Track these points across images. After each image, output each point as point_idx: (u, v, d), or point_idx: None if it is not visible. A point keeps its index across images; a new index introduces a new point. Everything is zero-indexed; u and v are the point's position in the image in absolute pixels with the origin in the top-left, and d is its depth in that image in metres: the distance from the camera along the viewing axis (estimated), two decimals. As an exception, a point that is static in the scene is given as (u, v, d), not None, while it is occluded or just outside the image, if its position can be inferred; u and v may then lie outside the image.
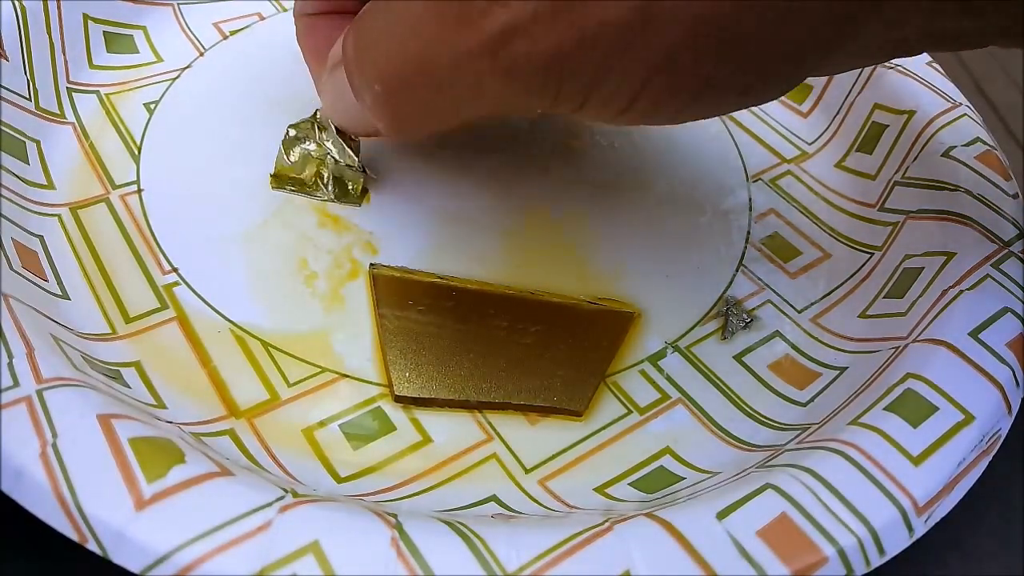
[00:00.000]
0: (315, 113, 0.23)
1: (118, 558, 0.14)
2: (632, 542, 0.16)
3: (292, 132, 0.23)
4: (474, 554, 0.15)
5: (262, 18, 0.30)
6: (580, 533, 0.16)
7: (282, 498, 0.15)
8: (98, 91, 0.26)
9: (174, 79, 0.27)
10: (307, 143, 0.23)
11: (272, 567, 0.14)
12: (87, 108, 0.25)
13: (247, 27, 0.29)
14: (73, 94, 0.25)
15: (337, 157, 0.23)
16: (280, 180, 0.24)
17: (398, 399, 0.20)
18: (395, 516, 0.16)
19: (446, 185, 0.26)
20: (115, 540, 0.14)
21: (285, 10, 0.30)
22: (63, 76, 0.25)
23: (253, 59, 0.28)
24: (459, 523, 0.16)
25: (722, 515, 0.16)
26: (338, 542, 0.15)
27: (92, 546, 0.15)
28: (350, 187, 0.24)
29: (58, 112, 0.25)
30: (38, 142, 0.24)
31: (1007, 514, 0.21)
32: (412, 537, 0.15)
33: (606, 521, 0.16)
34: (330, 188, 0.24)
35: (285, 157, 0.24)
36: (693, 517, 0.16)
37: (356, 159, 0.23)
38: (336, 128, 0.23)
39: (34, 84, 0.24)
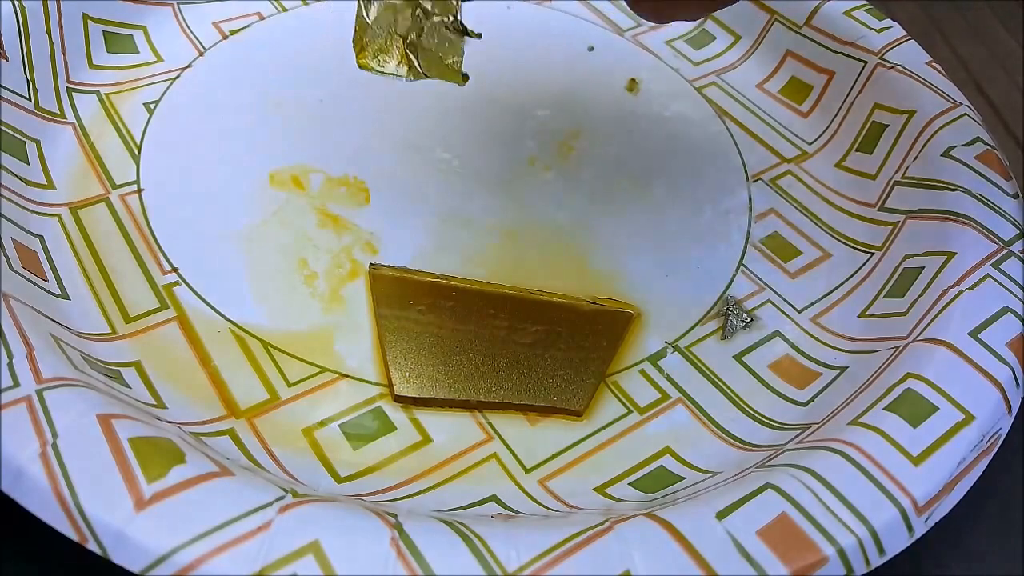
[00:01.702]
0: None
1: (118, 558, 0.14)
2: (632, 542, 0.16)
3: None
4: (474, 554, 0.15)
5: (262, 18, 0.30)
6: (580, 533, 0.16)
7: (282, 498, 0.15)
8: (98, 91, 0.26)
9: (174, 79, 0.27)
10: None
11: (272, 567, 0.14)
12: (87, 108, 0.25)
13: (247, 27, 0.29)
14: (73, 94, 0.25)
15: (432, 9, 0.17)
16: (362, 50, 0.19)
17: (398, 399, 0.20)
18: (395, 516, 0.16)
19: (446, 185, 0.26)
20: (115, 540, 0.14)
21: (285, 10, 0.30)
22: (63, 76, 0.25)
23: (253, 59, 0.28)
24: (459, 523, 0.16)
25: (722, 515, 0.16)
26: (338, 542, 0.15)
27: (92, 546, 0.15)
28: (449, 60, 0.18)
29: (58, 112, 0.25)
30: (38, 142, 0.24)
31: (1007, 514, 0.21)
32: (412, 537, 0.15)
33: (606, 521, 0.16)
34: (421, 67, 0.18)
35: (364, 12, 0.18)
36: (693, 517, 0.16)
37: (456, 7, 0.17)
38: None
39: (34, 84, 0.24)
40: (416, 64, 0.18)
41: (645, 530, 0.16)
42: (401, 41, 0.18)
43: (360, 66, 0.19)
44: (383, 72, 0.19)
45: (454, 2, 0.17)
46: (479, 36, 0.18)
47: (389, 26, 0.18)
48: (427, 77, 0.18)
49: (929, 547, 0.18)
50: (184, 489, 0.15)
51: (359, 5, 0.18)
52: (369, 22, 0.18)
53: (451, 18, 0.17)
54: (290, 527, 0.15)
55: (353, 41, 0.19)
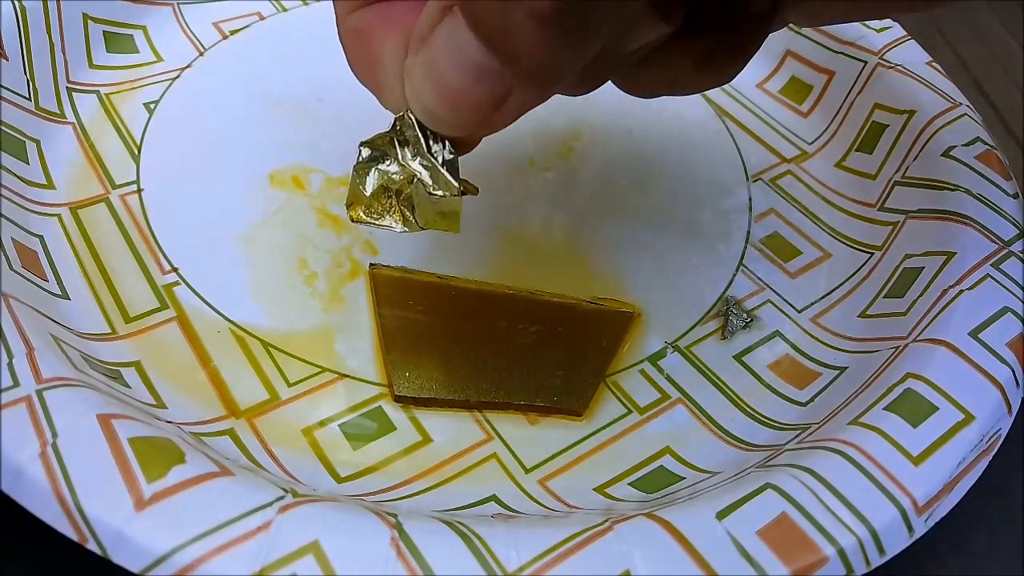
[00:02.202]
0: (394, 124, 0.17)
1: (118, 558, 0.14)
2: (632, 542, 0.16)
3: (365, 152, 0.18)
4: (474, 554, 0.15)
5: (262, 18, 0.30)
6: (580, 533, 0.16)
7: (282, 498, 0.15)
8: (98, 91, 0.26)
9: (174, 79, 0.27)
10: (386, 163, 0.18)
11: (272, 567, 0.14)
12: (87, 108, 0.25)
13: (247, 27, 0.29)
14: (73, 94, 0.25)
15: (428, 181, 0.17)
16: (357, 212, 0.18)
17: (398, 399, 0.20)
18: (395, 516, 0.16)
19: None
20: (115, 540, 0.14)
21: (285, 10, 0.30)
22: (63, 76, 0.25)
23: (253, 59, 0.28)
24: (459, 523, 0.16)
25: (722, 515, 0.16)
26: (338, 542, 0.15)
27: (92, 546, 0.15)
28: (447, 216, 0.18)
29: (58, 112, 0.25)
30: (38, 142, 0.24)
31: (1007, 514, 0.21)
32: (412, 537, 0.15)
33: (606, 521, 0.16)
34: (417, 220, 0.18)
35: (361, 188, 0.18)
36: (693, 517, 0.16)
37: (455, 182, 0.17)
38: (427, 136, 0.17)
39: (34, 84, 0.24)
40: (412, 218, 0.18)
41: (645, 530, 0.16)
42: (395, 197, 0.18)
43: (352, 219, 0.18)
44: (377, 225, 0.18)
45: (451, 179, 0.17)
46: (476, 191, 0.18)
47: (384, 187, 0.18)
48: (423, 230, 0.18)
49: (929, 547, 0.18)
50: (184, 489, 0.15)
51: (353, 175, 0.18)
52: (367, 195, 0.18)
53: (450, 193, 0.17)
54: (290, 527, 0.15)
55: (347, 203, 0.19)
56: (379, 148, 0.18)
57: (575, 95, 0.19)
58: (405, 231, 0.18)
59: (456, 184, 0.17)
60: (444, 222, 0.18)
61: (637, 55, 0.17)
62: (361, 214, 0.18)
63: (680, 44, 0.17)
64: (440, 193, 0.17)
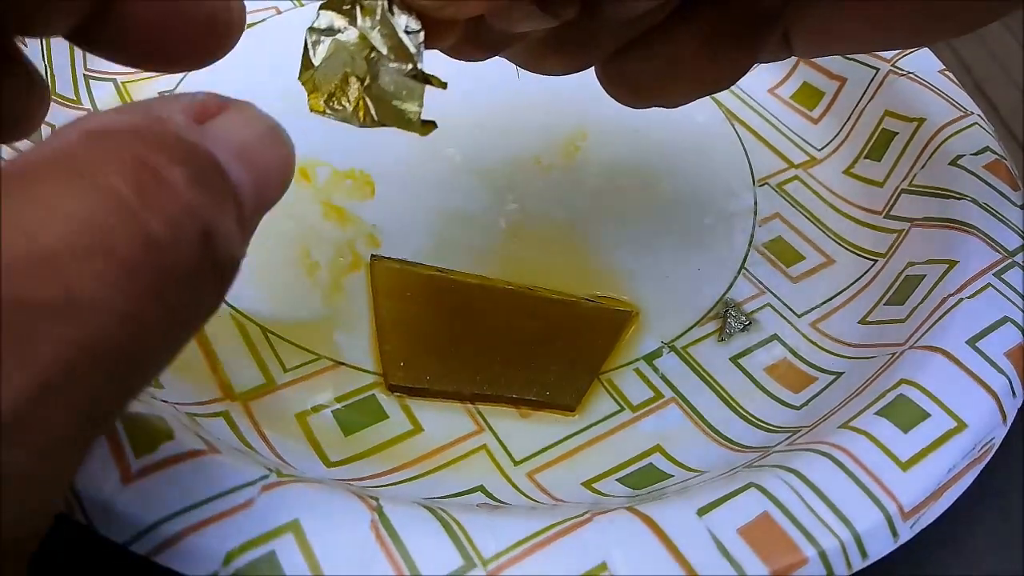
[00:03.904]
0: None
1: (103, 530, 0.15)
2: (610, 534, 0.16)
3: (324, 16, 0.16)
4: (452, 539, 0.15)
5: (279, 12, 0.30)
6: (559, 523, 0.16)
7: (266, 477, 0.16)
8: (115, 79, 0.26)
9: (189, 69, 0.27)
10: (344, 33, 0.16)
11: (252, 543, 0.15)
12: (103, 95, 0.26)
13: (263, 20, 0.30)
14: (90, 81, 0.26)
15: (384, 52, 0.15)
16: (314, 91, 0.16)
17: (392, 388, 0.21)
18: (377, 500, 0.16)
19: (451, 181, 0.26)
20: (101, 512, 0.15)
21: (302, 5, 0.30)
22: (80, 63, 0.26)
23: (270, 52, 0.28)
24: (441, 509, 0.16)
25: (703, 511, 0.16)
26: (318, 522, 0.15)
27: (78, 517, 0.15)
28: (405, 108, 0.16)
29: (74, 98, 0.25)
30: (53, 127, 0.24)
31: (1006, 514, 0.21)
32: (392, 520, 0.15)
33: (586, 513, 0.16)
34: (373, 109, 0.16)
35: (311, 52, 0.16)
36: (673, 512, 0.16)
37: (413, 50, 0.15)
38: (391, 1, 0.15)
39: (51, 70, 0.25)
40: (371, 111, 0.16)
41: (624, 523, 0.16)
42: (359, 84, 0.16)
43: (311, 108, 0.16)
44: (336, 117, 0.16)
45: (413, 50, 0.15)
46: (444, 86, 0.15)
47: (345, 65, 0.16)
48: (383, 126, 0.16)
49: (929, 547, 0.18)
50: (171, 465, 0.15)
51: (305, 43, 0.16)
52: (316, 64, 0.16)
53: (409, 66, 0.15)
54: (272, 505, 0.15)
55: (302, 80, 0.16)
56: (338, 14, 0.16)
57: (563, 73, 0.18)
58: (366, 126, 0.16)
59: (414, 53, 0.15)
60: (404, 120, 0.16)
61: (632, 30, 0.17)
62: (321, 103, 0.17)
63: (678, 26, 0.17)
64: (396, 66, 0.15)
